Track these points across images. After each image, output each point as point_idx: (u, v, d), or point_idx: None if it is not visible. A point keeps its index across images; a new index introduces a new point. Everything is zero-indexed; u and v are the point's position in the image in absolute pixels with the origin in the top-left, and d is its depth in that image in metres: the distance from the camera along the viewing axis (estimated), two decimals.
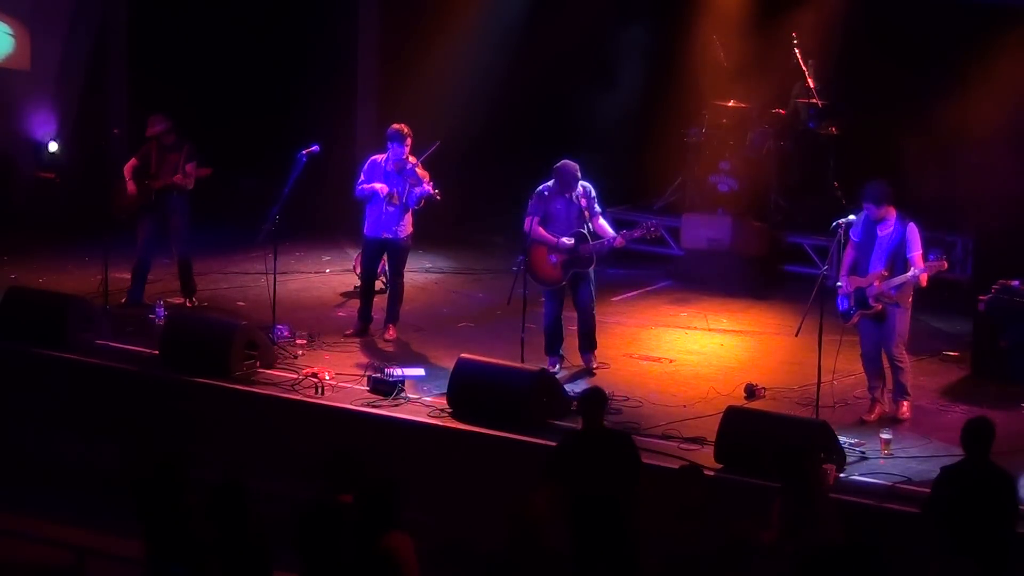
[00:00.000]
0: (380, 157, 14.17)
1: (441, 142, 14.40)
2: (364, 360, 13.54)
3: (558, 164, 13.21)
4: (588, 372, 13.41)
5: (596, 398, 10.44)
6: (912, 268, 12.00)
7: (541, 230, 13.19)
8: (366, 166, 14.21)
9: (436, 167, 17.71)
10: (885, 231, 12.12)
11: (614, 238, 13.16)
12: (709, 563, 9.14)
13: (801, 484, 9.57)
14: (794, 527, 9.37)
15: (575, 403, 11.45)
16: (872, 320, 12.20)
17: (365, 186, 14.10)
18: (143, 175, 15.00)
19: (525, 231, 13.22)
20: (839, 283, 12.23)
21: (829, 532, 9.37)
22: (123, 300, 14.99)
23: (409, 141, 14.00)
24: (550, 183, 13.24)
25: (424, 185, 13.94)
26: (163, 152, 14.96)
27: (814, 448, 10.67)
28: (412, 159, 14.05)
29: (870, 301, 12.11)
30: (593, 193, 13.28)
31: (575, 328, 13.57)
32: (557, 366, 13.37)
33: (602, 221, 13.30)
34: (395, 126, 14.12)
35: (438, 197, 14.00)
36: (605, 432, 10.48)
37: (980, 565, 9.21)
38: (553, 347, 13.48)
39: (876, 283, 12.07)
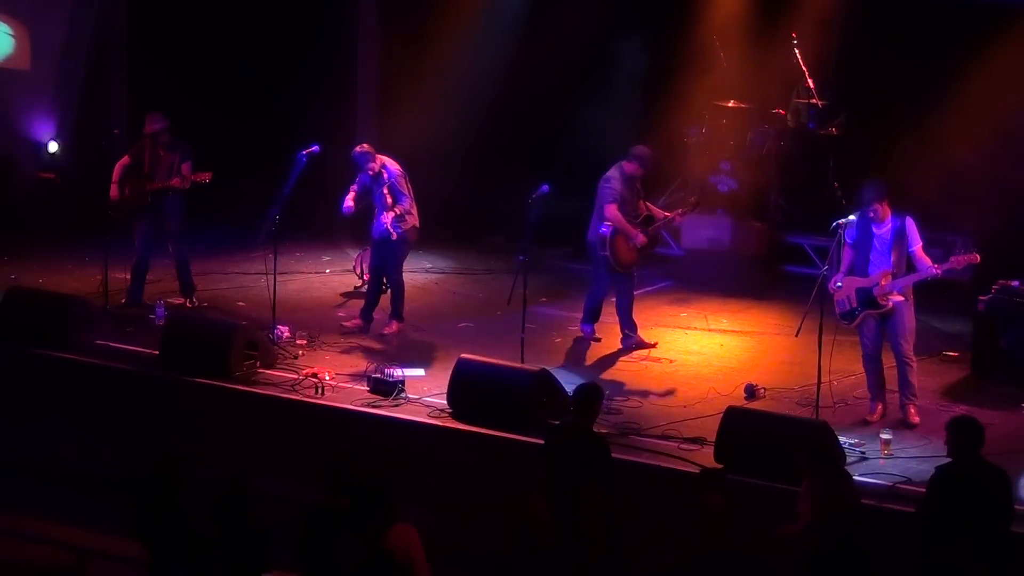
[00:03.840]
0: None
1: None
2: (364, 360, 13.53)
3: (639, 149, 13.99)
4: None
5: (591, 394, 10.33)
6: (918, 265, 11.94)
7: (623, 219, 13.85)
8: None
9: (437, 166, 17.75)
10: (882, 229, 12.05)
11: (672, 216, 14.35)
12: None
13: (832, 469, 9.55)
14: (828, 512, 9.34)
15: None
16: (877, 320, 12.15)
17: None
18: (136, 174, 14.95)
19: (608, 217, 13.81)
20: (839, 284, 12.18)
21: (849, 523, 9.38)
22: (123, 300, 14.99)
23: (371, 157, 14.18)
24: (623, 169, 13.88)
25: (384, 216, 14.12)
26: (157, 151, 14.90)
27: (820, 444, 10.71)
28: (390, 168, 14.20)
29: (879, 300, 12.07)
30: None
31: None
32: (592, 332, 14.24)
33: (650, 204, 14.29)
34: (356, 150, 14.34)
35: (393, 236, 14.18)
36: (588, 433, 10.25)
37: (975, 565, 9.18)
38: (593, 317, 14.27)
39: (883, 282, 12.02)
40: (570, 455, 10.02)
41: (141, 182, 14.91)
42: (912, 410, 12.20)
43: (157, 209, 14.95)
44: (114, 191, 14.95)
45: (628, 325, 14.20)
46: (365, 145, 14.39)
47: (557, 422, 11.04)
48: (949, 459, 9.37)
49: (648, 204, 14.25)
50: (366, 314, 14.52)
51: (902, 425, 12.07)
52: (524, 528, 8.28)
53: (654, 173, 17.58)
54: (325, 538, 8.72)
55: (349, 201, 14.28)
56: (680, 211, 14.58)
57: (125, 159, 15.05)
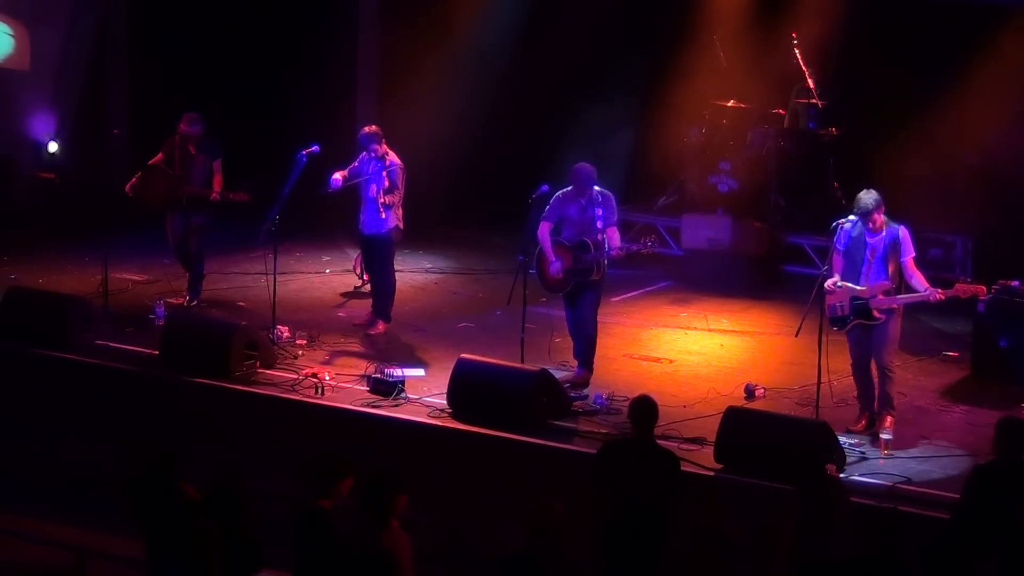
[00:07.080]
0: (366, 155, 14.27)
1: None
2: (364, 360, 13.54)
3: (575, 166, 12.97)
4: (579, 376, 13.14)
5: (649, 407, 9.99)
6: (910, 277, 11.76)
7: (547, 240, 12.95)
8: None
9: (437, 166, 17.75)
10: (875, 237, 11.82)
11: (611, 249, 12.84)
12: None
13: (820, 489, 9.48)
14: (806, 532, 9.30)
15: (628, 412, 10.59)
16: (863, 329, 11.94)
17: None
18: (168, 171, 14.91)
19: (538, 235, 13.02)
20: (834, 286, 11.96)
21: (841, 542, 9.32)
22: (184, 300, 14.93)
23: (380, 139, 14.09)
24: (569, 188, 12.94)
25: (380, 197, 13.97)
26: (188, 149, 14.85)
27: (823, 452, 10.67)
28: (393, 158, 14.12)
29: (874, 313, 11.87)
30: (612, 202, 12.93)
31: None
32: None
33: (615, 232, 12.92)
34: (365, 130, 14.22)
35: (382, 213, 14.03)
36: (654, 447, 10.03)
37: (1007, 564, 9.20)
38: None
39: (880, 295, 11.83)
40: (637, 472, 9.76)
41: (175, 182, 14.86)
42: (888, 420, 11.95)
43: (189, 206, 14.91)
44: (133, 184, 14.88)
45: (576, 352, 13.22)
46: (375, 127, 14.29)
47: (610, 440, 10.80)
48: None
49: (610, 232, 12.80)
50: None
51: (876, 436, 11.75)
52: (548, 536, 8.20)
53: (654, 173, 17.76)
54: (311, 539, 8.71)
55: (338, 175, 14.12)
56: (626, 248, 12.96)
57: (160, 156, 14.94)
